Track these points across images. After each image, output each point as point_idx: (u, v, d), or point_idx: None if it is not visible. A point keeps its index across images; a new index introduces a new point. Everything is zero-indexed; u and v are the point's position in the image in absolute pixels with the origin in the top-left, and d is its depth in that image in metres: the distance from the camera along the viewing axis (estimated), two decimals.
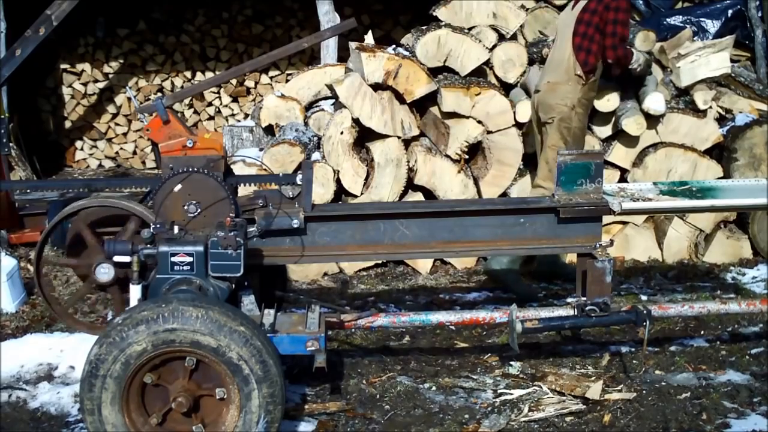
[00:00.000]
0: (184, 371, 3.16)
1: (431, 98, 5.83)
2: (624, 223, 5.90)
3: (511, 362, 4.26)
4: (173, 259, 3.33)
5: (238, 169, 5.36)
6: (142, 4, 9.49)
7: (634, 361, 4.27)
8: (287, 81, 7.84)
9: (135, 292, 3.36)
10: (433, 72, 5.82)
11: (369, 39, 6.10)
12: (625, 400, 3.84)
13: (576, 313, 3.78)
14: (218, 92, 9.67)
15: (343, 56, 6.54)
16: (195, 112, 9.71)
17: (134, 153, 9.75)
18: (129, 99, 9.56)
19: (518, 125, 5.84)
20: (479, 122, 5.77)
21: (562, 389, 3.94)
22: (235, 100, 9.71)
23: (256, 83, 9.70)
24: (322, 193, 5.53)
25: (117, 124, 9.73)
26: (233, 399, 3.16)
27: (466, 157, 5.80)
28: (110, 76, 9.66)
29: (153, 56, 9.69)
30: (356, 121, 5.65)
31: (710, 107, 5.96)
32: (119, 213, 3.68)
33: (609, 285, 3.78)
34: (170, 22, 9.72)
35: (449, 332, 4.71)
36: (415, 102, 5.80)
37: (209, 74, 9.65)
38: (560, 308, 3.87)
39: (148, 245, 3.37)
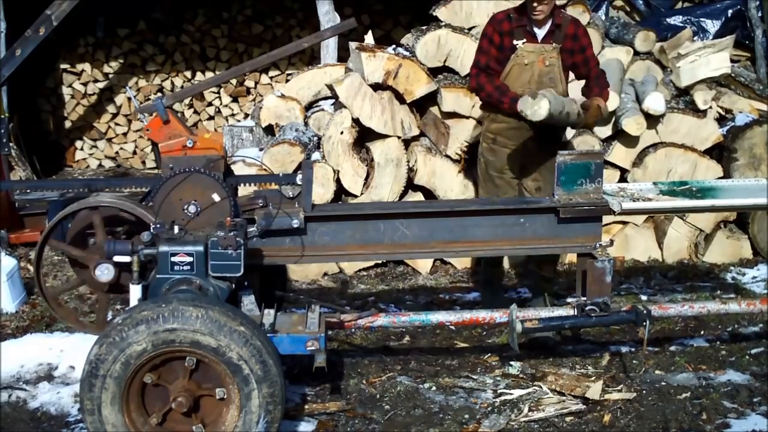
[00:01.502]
0: (184, 371, 3.17)
1: (431, 98, 5.83)
2: (624, 223, 5.90)
3: (511, 362, 4.26)
4: (173, 259, 3.33)
5: (238, 169, 5.36)
6: (142, 4, 9.48)
7: (634, 361, 4.28)
8: (287, 81, 7.84)
9: (135, 292, 3.36)
10: (433, 72, 5.82)
11: (369, 39, 6.10)
12: (625, 400, 3.84)
13: (576, 313, 3.78)
14: (218, 92, 9.66)
15: (343, 56, 6.54)
16: (195, 112, 9.70)
17: (134, 153, 9.75)
18: (129, 99, 9.56)
19: None
20: (479, 122, 5.77)
21: (562, 389, 3.94)
22: (235, 100, 9.71)
23: (256, 83, 9.70)
24: (322, 193, 5.53)
25: (117, 124, 9.72)
26: (233, 399, 3.16)
27: (466, 157, 5.80)
28: (110, 76, 9.66)
29: (153, 56, 9.69)
30: (356, 121, 5.65)
31: (710, 107, 5.96)
32: (117, 213, 3.68)
33: (609, 285, 3.78)
34: (170, 22, 9.71)
35: (449, 332, 4.71)
36: (415, 102, 5.80)
37: (209, 74, 9.65)
38: (560, 308, 3.87)
39: (148, 245, 3.37)
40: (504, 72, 4.55)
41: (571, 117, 4.30)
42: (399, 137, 5.73)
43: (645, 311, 3.77)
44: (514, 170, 4.69)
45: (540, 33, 4.52)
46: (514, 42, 4.50)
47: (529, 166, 4.68)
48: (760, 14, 7.22)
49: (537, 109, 4.14)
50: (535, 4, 4.42)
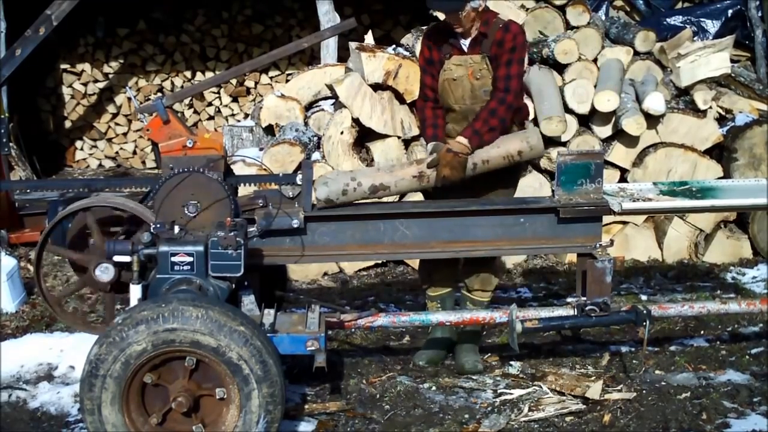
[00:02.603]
0: (184, 371, 3.16)
1: None
2: (624, 223, 5.90)
3: (511, 362, 4.26)
4: (173, 258, 3.33)
5: (238, 169, 5.36)
6: (142, 4, 9.48)
7: (634, 361, 4.27)
8: (287, 81, 7.84)
9: (135, 292, 3.36)
10: None
11: (369, 39, 6.10)
12: (625, 400, 3.84)
13: (576, 313, 3.77)
14: (218, 92, 9.67)
15: (343, 56, 6.54)
16: (195, 112, 9.71)
17: (134, 153, 9.75)
18: (129, 99, 9.56)
19: None
20: None
21: (562, 389, 3.94)
22: (235, 100, 9.71)
23: (256, 83, 9.70)
24: None
25: (117, 124, 9.73)
26: (233, 399, 3.16)
27: None
28: (110, 76, 9.66)
29: (153, 56, 9.69)
30: (356, 121, 5.65)
31: (710, 107, 5.96)
32: (118, 213, 3.68)
33: (609, 285, 3.78)
34: (170, 22, 9.72)
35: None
36: (415, 102, 5.80)
37: (209, 74, 9.65)
38: (560, 308, 3.87)
39: (148, 245, 3.36)
40: (438, 88, 4.12)
41: (372, 190, 3.83)
42: (399, 137, 5.73)
43: (645, 311, 3.76)
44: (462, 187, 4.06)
45: (465, 43, 4.05)
46: (442, 55, 4.09)
47: (476, 182, 4.08)
48: (760, 14, 7.22)
49: (317, 196, 3.77)
50: (455, 28, 4.02)
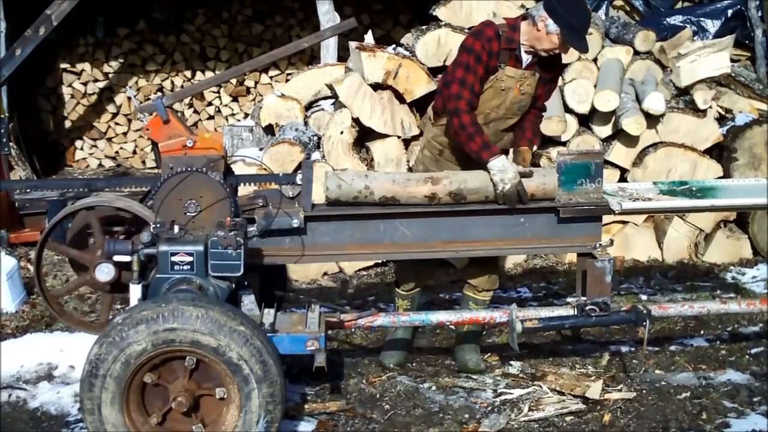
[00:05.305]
0: (184, 371, 3.16)
1: (431, 98, 5.81)
2: (624, 222, 5.90)
3: (511, 362, 4.26)
4: (173, 258, 3.33)
5: (238, 169, 5.36)
6: (142, 4, 9.49)
7: (634, 361, 4.28)
8: (287, 81, 7.84)
9: (135, 291, 3.36)
10: (433, 72, 5.82)
11: (369, 39, 6.10)
12: (625, 400, 3.84)
13: (576, 313, 3.77)
14: (218, 92, 9.67)
15: (343, 56, 6.54)
16: (195, 111, 9.71)
17: (134, 153, 9.76)
18: (129, 99, 9.57)
19: None
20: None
21: (562, 389, 3.94)
22: (235, 99, 9.71)
23: (256, 83, 9.71)
24: (322, 192, 5.51)
25: (117, 124, 9.74)
26: (233, 399, 3.16)
27: None
28: (110, 75, 9.67)
29: (153, 56, 9.70)
30: (356, 121, 5.65)
31: (710, 107, 5.96)
32: (119, 213, 3.68)
33: (609, 285, 3.77)
34: (170, 22, 9.73)
35: (449, 332, 4.71)
36: (415, 102, 5.80)
37: (209, 74, 9.65)
38: (560, 308, 3.87)
39: (148, 245, 3.36)
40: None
41: (382, 201, 3.75)
42: (399, 137, 5.73)
43: (645, 311, 3.76)
44: None
45: (526, 59, 3.96)
46: (499, 63, 3.95)
47: None
48: (760, 14, 7.23)
49: (327, 194, 3.76)
50: (544, 53, 3.90)
